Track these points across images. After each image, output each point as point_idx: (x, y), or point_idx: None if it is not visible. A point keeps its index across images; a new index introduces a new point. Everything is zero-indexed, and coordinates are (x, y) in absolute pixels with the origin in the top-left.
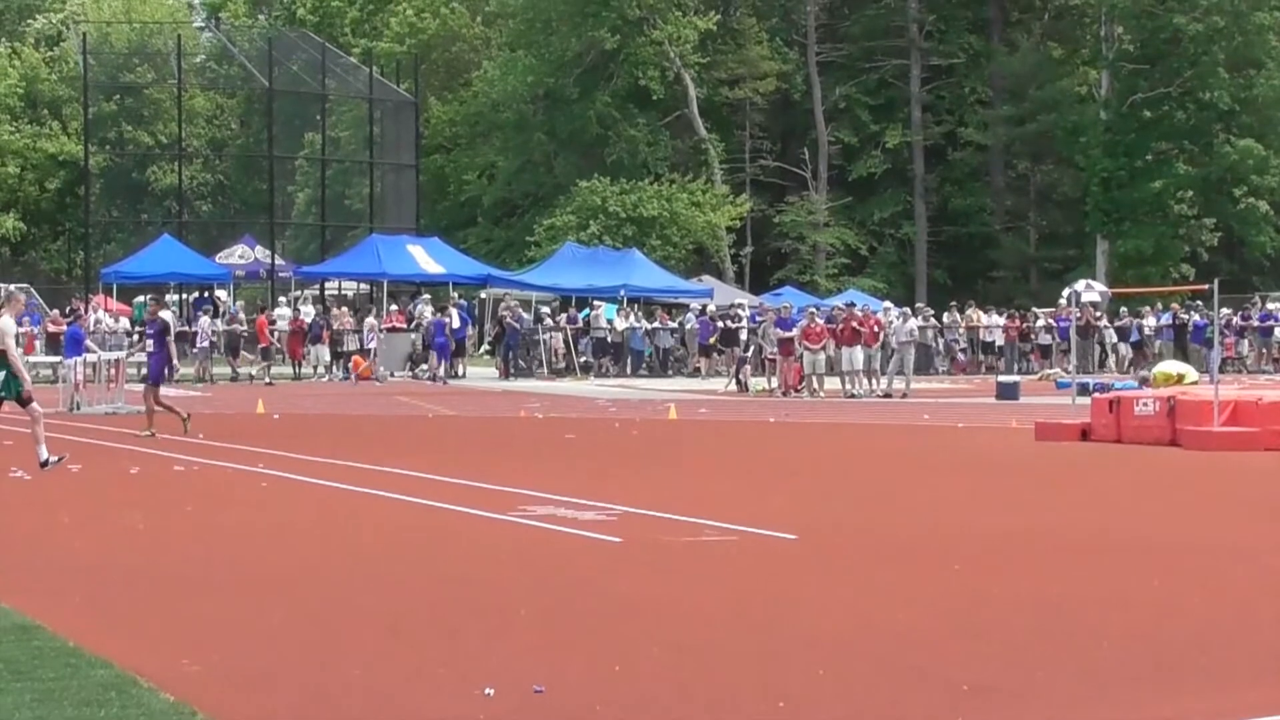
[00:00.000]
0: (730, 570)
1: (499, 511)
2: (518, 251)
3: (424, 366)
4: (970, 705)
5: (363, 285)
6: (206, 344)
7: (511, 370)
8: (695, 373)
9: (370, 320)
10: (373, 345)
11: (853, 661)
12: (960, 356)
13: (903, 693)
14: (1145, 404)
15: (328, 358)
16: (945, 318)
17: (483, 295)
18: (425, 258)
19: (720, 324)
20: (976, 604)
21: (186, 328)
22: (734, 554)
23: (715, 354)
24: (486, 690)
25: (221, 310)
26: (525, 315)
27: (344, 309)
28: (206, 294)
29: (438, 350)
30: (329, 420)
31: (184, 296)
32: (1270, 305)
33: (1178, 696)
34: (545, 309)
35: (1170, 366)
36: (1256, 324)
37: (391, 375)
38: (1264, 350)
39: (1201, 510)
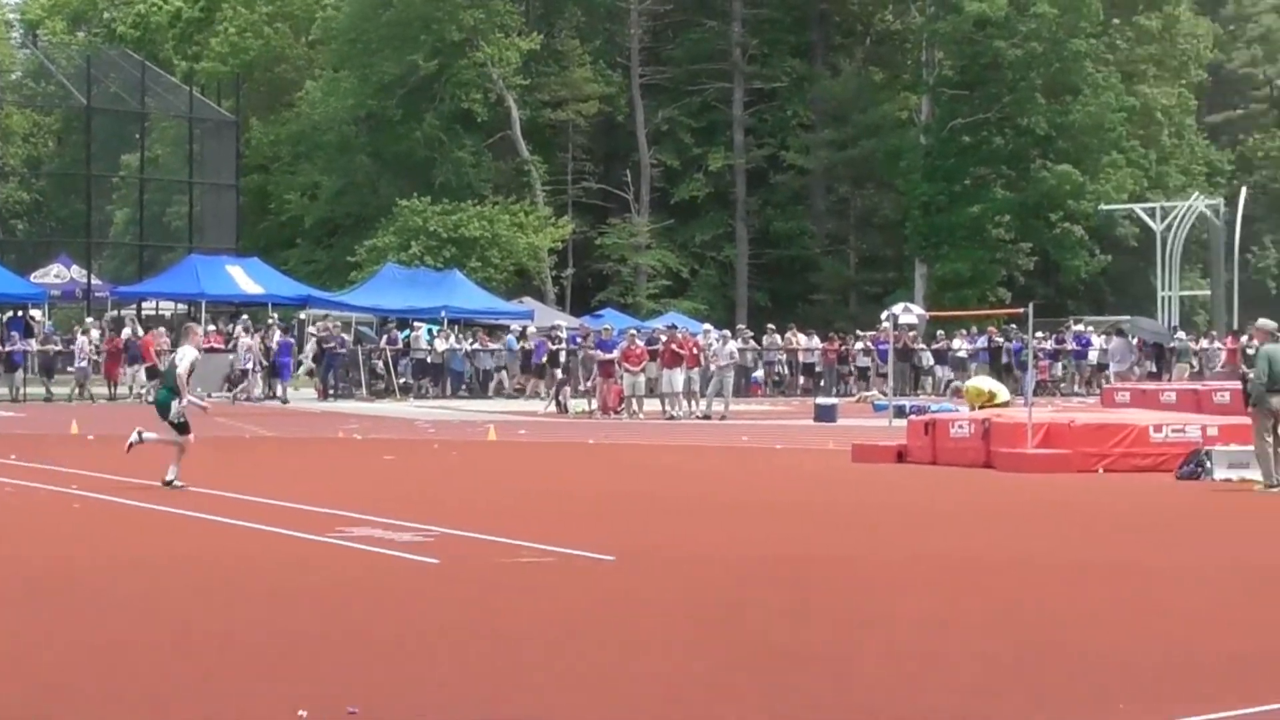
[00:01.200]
0: (547, 591)
1: (316, 533)
2: (339, 273)
3: (241, 387)
4: None
5: (180, 306)
6: (85, 363)
7: (331, 391)
8: (517, 393)
9: (246, 340)
10: (248, 366)
11: (674, 682)
12: (770, 378)
13: (724, 715)
14: (960, 426)
15: (145, 378)
16: (765, 340)
17: (302, 316)
18: (245, 278)
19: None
20: (796, 623)
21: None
22: (551, 575)
23: (546, 374)
24: (300, 712)
25: (36, 331)
26: (345, 336)
27: (161, 329)
28: (20, 314)
29: (282, 370)
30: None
31: None
32: (1083, 329)
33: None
34: (366, 330)
35: (982, 382)
36: (1071, 347)
37: (209, 396)
38: (1078, 373)
39: (1015, 529)
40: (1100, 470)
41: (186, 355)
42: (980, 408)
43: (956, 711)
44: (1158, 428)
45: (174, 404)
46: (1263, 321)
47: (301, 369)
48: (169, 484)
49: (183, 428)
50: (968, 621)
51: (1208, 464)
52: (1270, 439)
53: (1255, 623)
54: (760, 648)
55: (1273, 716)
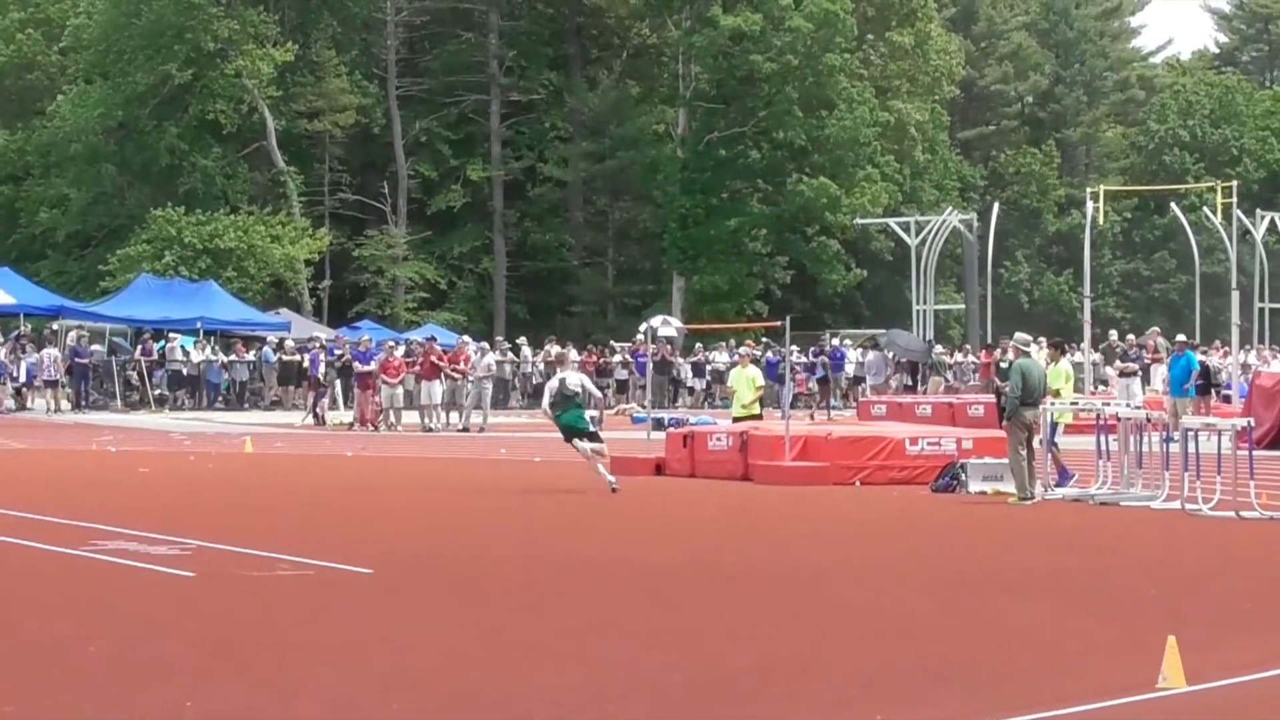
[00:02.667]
0: (305, 604)
1: (69, 546)
2: (93, 284)
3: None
4: None
5: None
6: None
7: (84, 402)
8: (275, 405)
9: (51, 351)
10: (56, 377)
11: (426, 693)
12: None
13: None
14: (718, 439)
15: None
16: (524, 352)
17: (54, 326)
18: None
19: (299, 357)
20: (552, 635)
21: None
22: (309, 588)
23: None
24: None
25: None
26: (98, 347)
27: None
28: None
29: (78, 374)
30: None
31: None
32: (838, 342)
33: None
34: (120, 340)
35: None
36: (828, 360)
37: None
38: (835, 386)
39: (768, 541)
40: (857, 483)
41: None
42: (738, 419)
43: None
44: (913, 440)
45: None
46: (1017, 336)
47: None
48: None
49: None
50: (661, 631)
51: (962, 476)
52: (1025, 452)
53: (971, 632)
54: (512, 650)
55: None
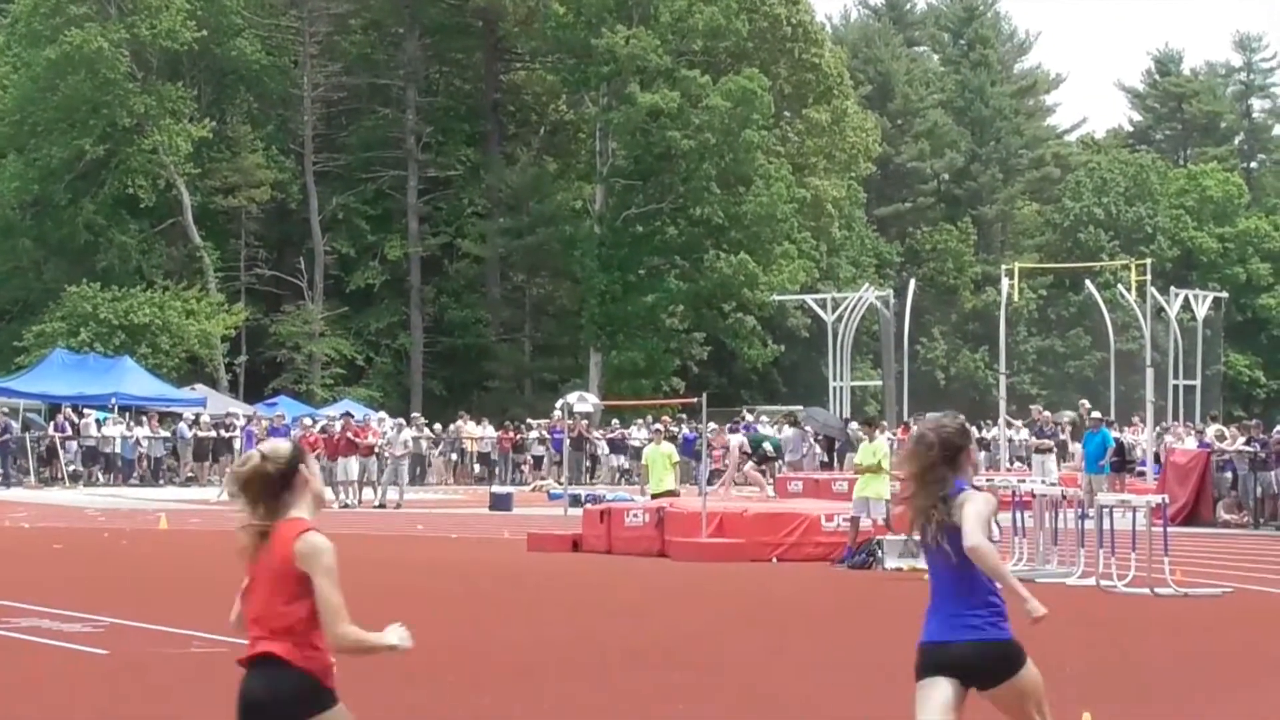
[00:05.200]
0: (218, 682)
1: None
2: (5, 358)
3: None
4: None
5: None
6: None
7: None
8: (190, 481)
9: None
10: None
11: None
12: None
13: None
14: (635, 515)
15: None
16: (440, 428)
17: None
18: None
19: (215, 433)
20: None
21: None
22: (223, 665)
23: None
24: None
25: None
26: (13, 423)
27: None
28: None
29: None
30: None
31: None
32: (753, 418)
33: None
34: (34, 416)
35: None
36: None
37: None
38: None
39: (687, 623)
40: (774, 559)
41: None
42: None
43: None
44: (829, 517)
45: None
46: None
47: None
48: None
49: None
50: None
51: (879, 553)
52: None
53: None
54: None
55: None
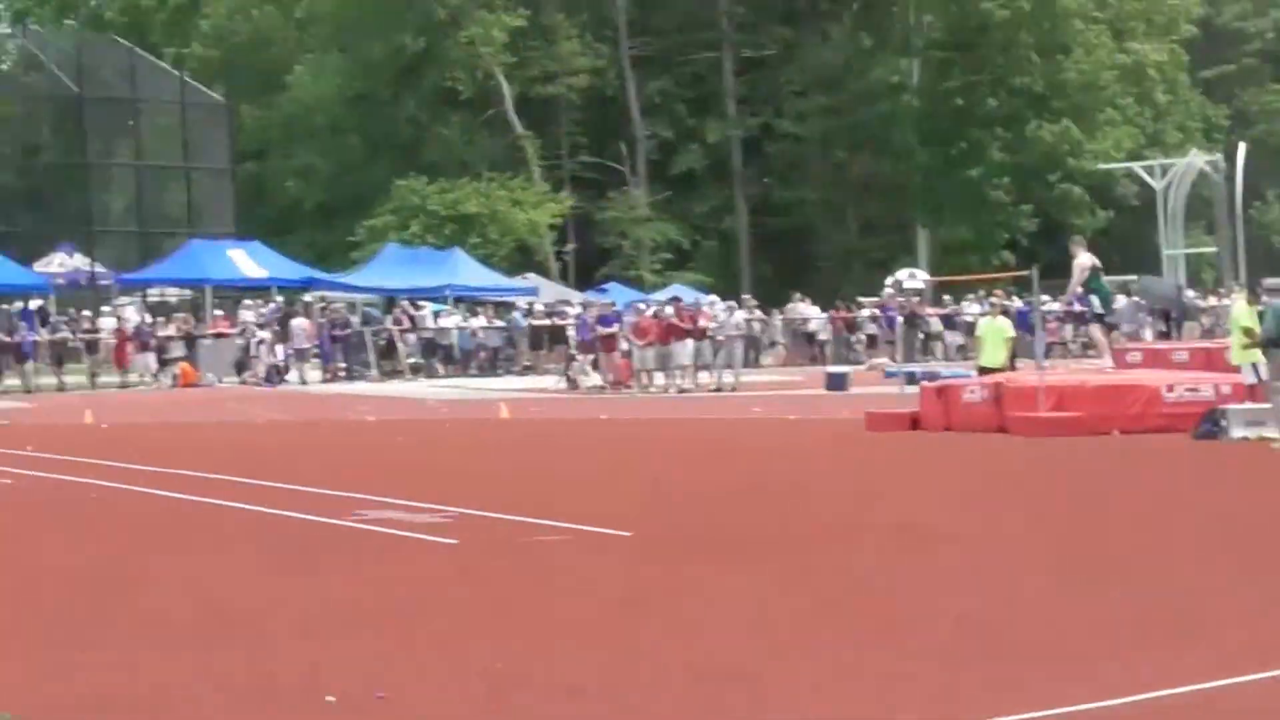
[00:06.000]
0: (566, 569)
1: (334, 516)
2: (341, 254)
3: (249, 371)
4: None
5: (184, 291)
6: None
7: (341, 373)
8: (526, 370)
9: (302, 321)
10: (304, 346)
11: (689, 658)
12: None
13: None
14: (973, 391)
15: (154, 365)
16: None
17: (306, 299)
18: (247, 261)
19: (550, 321)
20: (817, 601)
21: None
22: (570, 552)
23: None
24: (328, 698)
25: (47, 319)
26: (352, 318)
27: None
28: (27, 304)
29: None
30: (161, 430)
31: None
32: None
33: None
34: (372, 310)
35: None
36: (1079, 309)
37: (220, 381)
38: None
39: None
40: (1115, 432)
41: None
42: (983, 371)
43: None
44: (1170, 388)
45: None
46: (1270, 281)
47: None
48: None
49: None
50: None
51: (1224, 423)
52: None
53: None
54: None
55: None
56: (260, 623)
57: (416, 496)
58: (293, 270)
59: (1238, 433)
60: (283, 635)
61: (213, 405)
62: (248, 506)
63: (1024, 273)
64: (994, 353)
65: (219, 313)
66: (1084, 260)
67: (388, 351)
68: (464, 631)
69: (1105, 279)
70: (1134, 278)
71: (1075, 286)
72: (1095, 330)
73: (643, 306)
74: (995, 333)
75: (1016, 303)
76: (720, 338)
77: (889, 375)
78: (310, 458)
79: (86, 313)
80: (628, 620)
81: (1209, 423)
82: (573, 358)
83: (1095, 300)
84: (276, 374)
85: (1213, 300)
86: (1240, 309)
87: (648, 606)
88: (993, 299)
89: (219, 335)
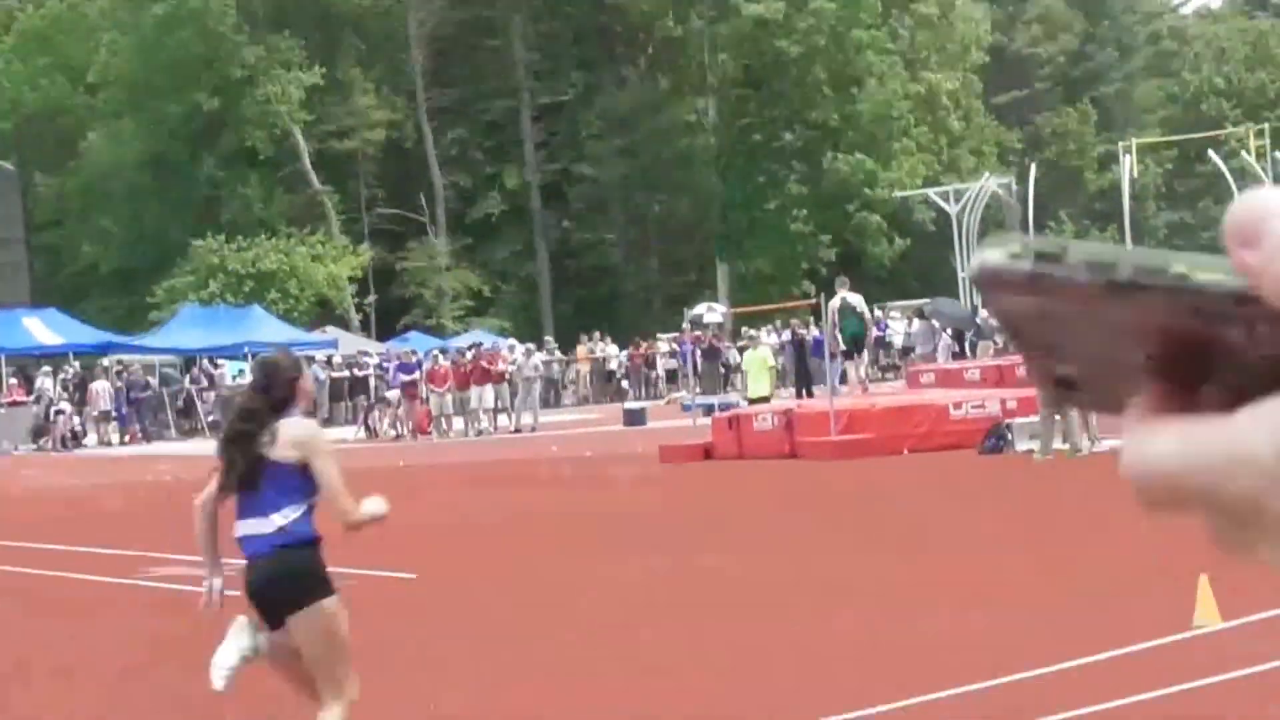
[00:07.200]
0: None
1: (121, 576)
2: (140, 316)
3: (46, 438)
4: None
5: None
6: None
7: (140, 434)
8: (325, 423)
9: (102, 384)
10: (104, 409)
11: (463, 693)
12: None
13: None
14: (764, 419)
15: None
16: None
17: (104, 363)
18: (42, 329)
19: (349, 373)
20: (604, 662)
21: None
22: (353, 596)
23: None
24: None
25: None
26: (150, 379)
27: None
28: None
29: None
30: None
31: None
32: (880, 315)
33: None
34: (171, 371)
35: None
36: (875, 334)
37: (15, 449)
38: (881, 358)
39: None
40: (905, 451)
41: None
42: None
43: None
44: (957, 405)
45: None
46: None
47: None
48: None
49: None
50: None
51: (1009, 437)
52: (1053, 408)
53: (997, 595)
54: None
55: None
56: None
57: (196, 552)
58: (90, 335)
59: (1022, 446)
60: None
61: (7, 473)
62: (28, 570)
63: (814, 301)
64: (758, 383)
65: (14, 381)
66: (834, 303)
67: (186, 411)
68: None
69: (902, 302)
70: (928, 301)
71: (829, 327)
72: (848, 365)
73: (438, 354)
74: (758, 363)
75: (814, 331)
76: (519, 380)
77: (686, 408)
78: (103, 519)
79: None
80: (410, 658)
81: (994, 437)
82: (370, 407)
83: (840, 337)
84: (74, 439)
85: None
86: None
87: (430, 645)
88: (751, 331)
89: (14, 404)
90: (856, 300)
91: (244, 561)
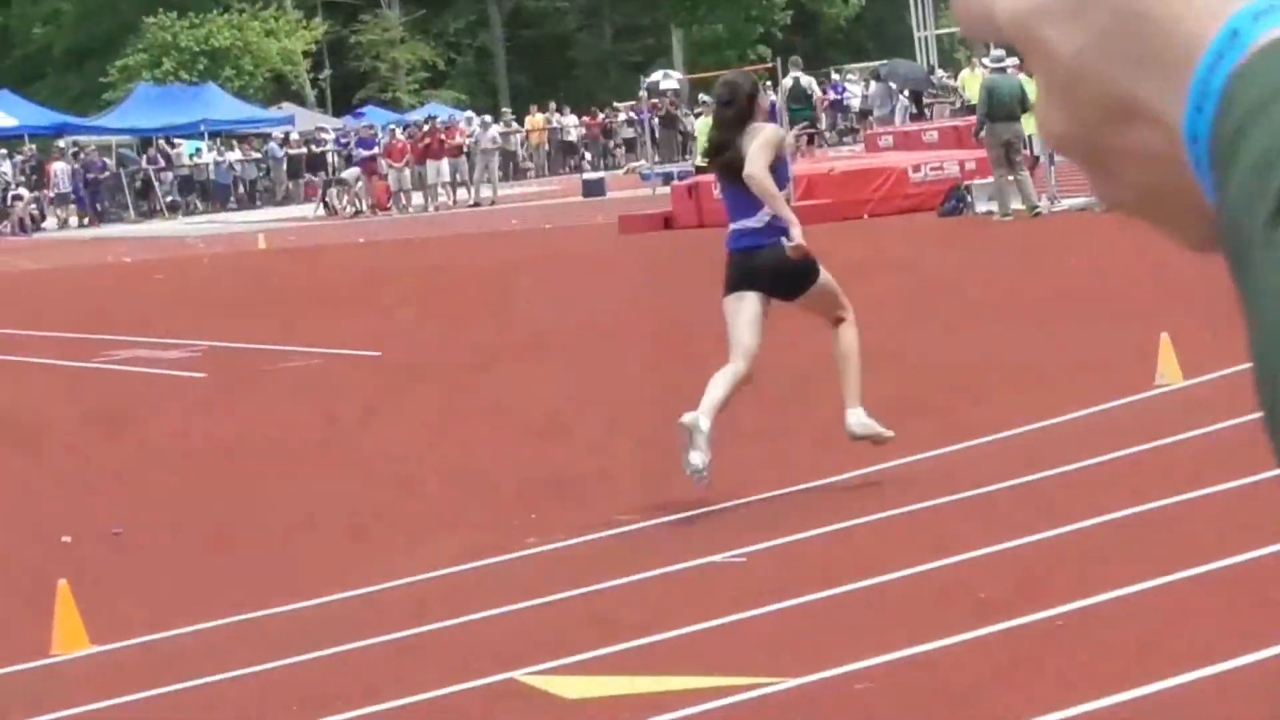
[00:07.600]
0: (313, 394)
1: (80, 359)
2: (94, 97)
3: (4, 222)
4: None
5: None
6: None
7: (98, 216)
8: (285, 200)
9: (60, 165)
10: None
11: (429, 474)
12: None
13: (474, 499)
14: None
15: None
16: (527, 121)
17: (60, 144)
18: None
19: (306, 149)
20: (555, 410)
21: None
22: (317, 377)
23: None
24: (64, 538)
25: None
26: (107, 160)
27: None
28: None
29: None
30: None
31: None
32: (839, 78)
33: None
34: (127, 151)
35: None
36: (831, 97)
37: None
38: (839, 122)
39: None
40: (865, 216)
41: None
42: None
43: None
44: (916, 168)
45: None
46: (992, 53)
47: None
48: None
49: None
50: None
51: (968, 199)
52: (1005, 169)
53: (968, 357)
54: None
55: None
56: None
57: (168, 334)
58: (45, 117)
59: (982, 207)
60: (12, 480)
61: None
62: None
63: (770, 65)
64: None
65: None
66: (785, 82)
67: (144, 191)
68: (203, 465)
69: (859, 65)
70: (884, 63)
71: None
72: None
73: (395, 129)
74: (709, 130)
75: (771, 96)
76: (477, 153)
77: (645, 178)
78: (61, 304)
79: None
80: (373, 438)
81: (954, 199)
82: (329, 184)
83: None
84: (32, 223)
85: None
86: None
87: (395, 423)
88: (705, 97)
89: None
90: (809, 82)
91: None
